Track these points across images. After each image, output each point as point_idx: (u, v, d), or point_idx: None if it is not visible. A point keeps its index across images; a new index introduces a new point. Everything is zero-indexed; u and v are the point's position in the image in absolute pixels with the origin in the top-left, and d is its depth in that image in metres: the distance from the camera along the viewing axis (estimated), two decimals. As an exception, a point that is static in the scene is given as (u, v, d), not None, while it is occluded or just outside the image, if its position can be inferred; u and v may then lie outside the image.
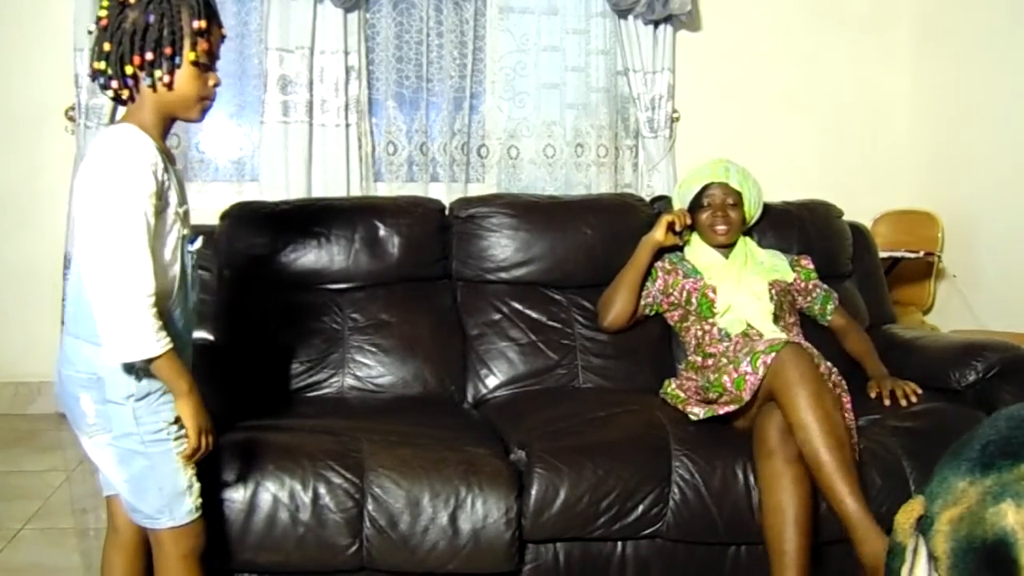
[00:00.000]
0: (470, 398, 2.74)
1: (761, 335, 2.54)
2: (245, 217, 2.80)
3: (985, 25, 3.97)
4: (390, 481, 2.10)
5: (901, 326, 3.16)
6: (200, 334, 2.67)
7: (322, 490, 2.07)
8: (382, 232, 2.82)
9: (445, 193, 3.88)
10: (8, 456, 3.34)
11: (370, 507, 2.08)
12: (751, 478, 2.23)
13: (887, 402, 2.54)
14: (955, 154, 4.13)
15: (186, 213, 1.73)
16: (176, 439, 1.68)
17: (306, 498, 2.06)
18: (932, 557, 1.54)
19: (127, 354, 1.59)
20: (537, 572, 2.21)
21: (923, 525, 1.57)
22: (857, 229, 3.15)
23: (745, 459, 2.25)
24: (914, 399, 2.53)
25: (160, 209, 1.63)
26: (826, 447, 2.09)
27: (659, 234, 2.74)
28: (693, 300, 2.67)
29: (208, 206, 3.55)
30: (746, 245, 2.78)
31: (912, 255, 3.93)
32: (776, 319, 2.61)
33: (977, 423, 1.68)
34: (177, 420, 1.67)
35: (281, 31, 3.78)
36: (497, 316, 2.83)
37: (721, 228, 2.71)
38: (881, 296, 3.12)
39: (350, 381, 2.66)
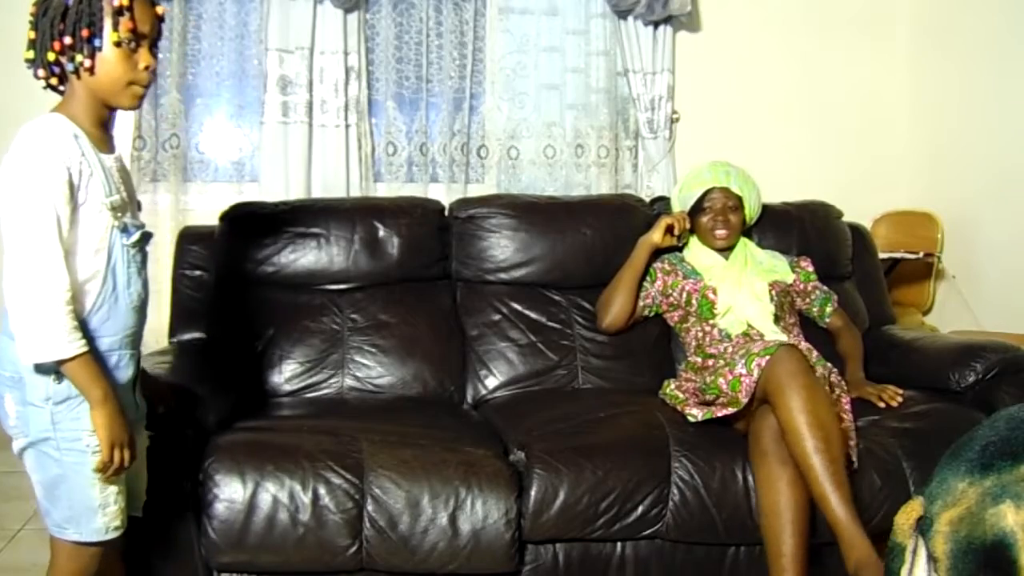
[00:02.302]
0: (470, 399, 2.74)
1: (762, 335, 2.54)
2: (245, 218, 2.80)
3: (984, 26, 3.96)
4: (390, 482, 2.10)
5: (901, 327, 3.16)
6: (199, 334, 2.69)
7: (322, 491, 2.07)
8: (382, 233, 2.82)
9: (445, 194, 3.88)
10: (8, 456, 3.32)
11: (370, 508, 2.08)
12: (750, 479, 2.23)
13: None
14: (955, 155, 4.13)
15: (115, 205, 1.61)
16: (95, 453, 1.59)
17: (306, 499, 2.06)
18: (932, 558, 1.54)
19: (36, 354, 1.51)
20: (537, 573, 2.21)
21: (922, 526, 1.57)
22: (857, 230, 3.15)
23: (744, 460, 2.25)
24: (899, 400, 2.52)
25: (78, 202, 1.56)
26: (816, 452, 2.08)
27: (657, 236, 2.74)
28: (693, 301, 2.67)
29: (208, 207, 3.58)
30: (746, 247, 2.78)
31: (912, 256, 3.92)
32: (777, 319, 2.61)
33: (976, 424, 1.68)
34: None
35: (281, 32, 3.78)
36: (497, 317, 2.83)
37: (721, 233, 2.72)
38: (881, 297, 3.12)
39: (349, 382, 2.66)
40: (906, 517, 1.60)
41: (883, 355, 2.81)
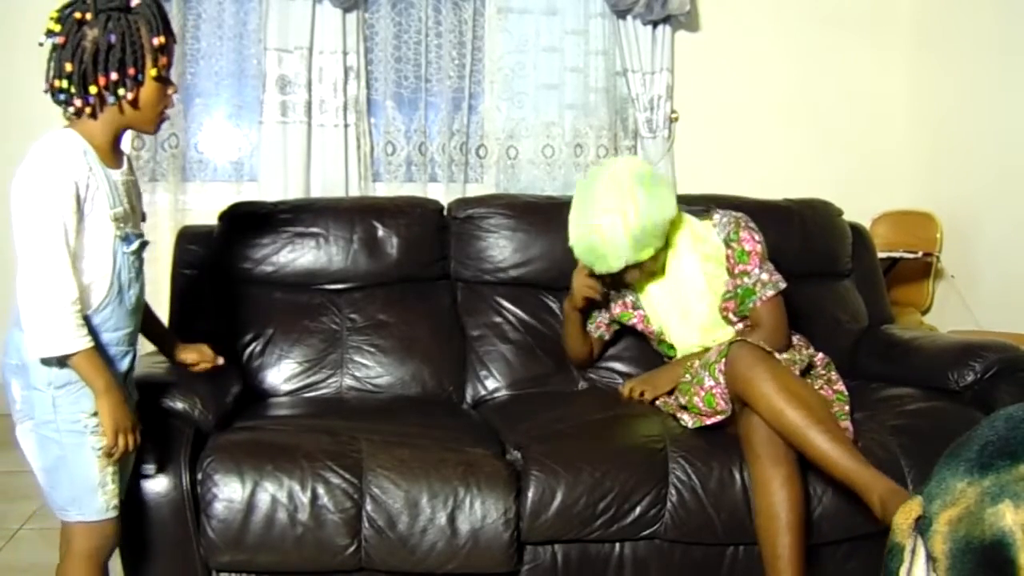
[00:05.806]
0: (469, 399, 2.74)
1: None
2: (243, 217, 2.80)
3: (983, 26, 3.97)
4: (389, 481, 2.09)
5: (899, 326, 3.16)
6: (197, 333, 2.68)
7: (320, 490, 2.06)
8: (380, 232, 2.82)
9: (444, 193, 3.88)
10: (8, 456, 3.32)
11: (369, 507, 2.08)
12: (748, 479, 2.22)
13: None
14: (954, 154, 4.14)
15: (118, 216, 1.73)
16: (93, 432, 1.70)
17: (304, 498, 2.05)
18: (930, 558, 1.54)
19: (45, 349, 1.64)
20: (535, 573, 2.21)
21: (921, 525, 1.57)
22: (856, 229, 3.15)
23: (741, 460, 2.24)
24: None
25: (84, 212, 1.67)
26: (803, 419, 2.03)
27: (578, 303, 2.56)
28: (652, 341, 2.64)
29: (207, 206, 3.58)
30: (678, 260, 2.51)
31: (911, 255, 3.93)
32: (731, 324, 2.50)
33: (975, 424, 1.68)
34: (97, 413, 1.69)
35: (280, 31, 3.79)
36: (497, 318, 2.83)
37: (629, 299, 2.59)
38: (880, 296, 3.12)
39: (348, 381, 2.66)
40: (905, 517, 1.60)
41: (882, 354, 2.81)
